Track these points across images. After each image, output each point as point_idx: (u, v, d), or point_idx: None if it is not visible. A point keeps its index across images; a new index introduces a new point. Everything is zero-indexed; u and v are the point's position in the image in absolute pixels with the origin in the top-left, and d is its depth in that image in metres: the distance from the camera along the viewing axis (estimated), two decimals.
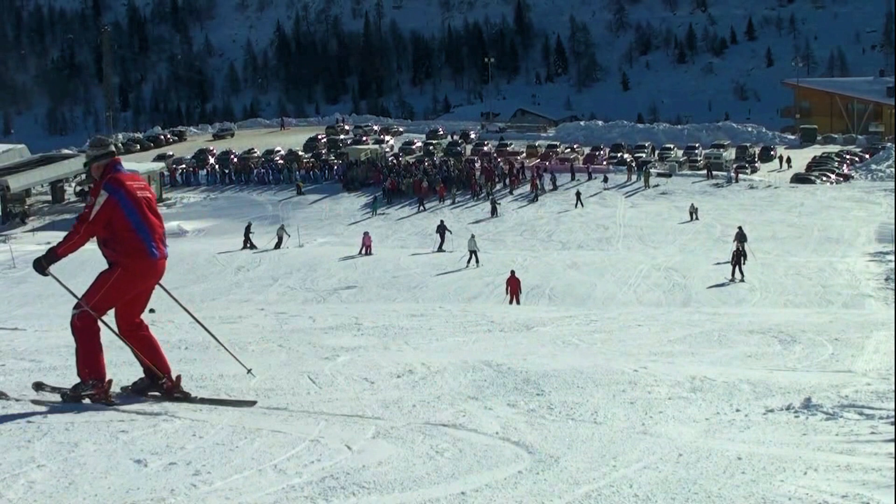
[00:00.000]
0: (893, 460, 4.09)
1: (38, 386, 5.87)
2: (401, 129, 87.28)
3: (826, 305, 25.34)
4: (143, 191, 5.79)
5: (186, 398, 5.75)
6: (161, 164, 69.19)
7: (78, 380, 5.66)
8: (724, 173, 60.44)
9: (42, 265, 5.71)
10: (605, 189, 57.94)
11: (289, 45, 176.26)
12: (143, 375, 5.92)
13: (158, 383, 5.83)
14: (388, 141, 77.14)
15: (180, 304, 6.49)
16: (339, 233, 51.07)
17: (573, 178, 60.24)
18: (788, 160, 65.32)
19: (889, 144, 70.34)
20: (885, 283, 29.45)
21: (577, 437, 4.71)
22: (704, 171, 61.40)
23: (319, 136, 79.73)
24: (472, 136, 79.75)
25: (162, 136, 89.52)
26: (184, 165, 71.17)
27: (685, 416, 5.24)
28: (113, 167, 5.75)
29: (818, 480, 3.93)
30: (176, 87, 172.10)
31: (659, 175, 61.06)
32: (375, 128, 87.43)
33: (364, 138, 78.50)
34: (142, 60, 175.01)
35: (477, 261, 34.56)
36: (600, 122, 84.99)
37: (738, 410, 5.35)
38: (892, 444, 4.37)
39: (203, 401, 5.73)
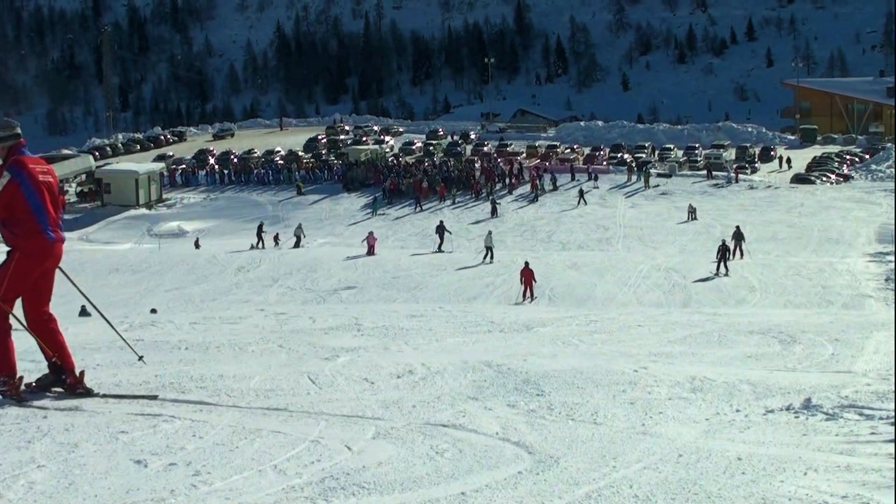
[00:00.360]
0: (893, 461, 4.09)
1: None
2: (401, 130, 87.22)
3: (826, 306, 25.34)
4: (45, 175, 5.86)
5: (89, 394, 5.78)
6: (161, 165, 69.19)
7: None
8: (724, 173, 60.44)
9: None
10: (595, 188, 57.98)
11: (289, 46, 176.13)
12: (47, 371, 5.97)
13: (62, 378, 5.87)
14: (388, 141, 77.10)
15: (79, 289, 6.61)
16: (339, 233, 51.11)
17: (573, 179, 60.27)
18: (788, 160, 65.28)
19: (889, 145, 70.32)
20: (885, 284, 29.44)
21: (577, 437, 4.71)
22: (704, 172, 61.40)
23: (320, 137, 79.73)
24: (472, 136, 79.72)
25: (162, 137, 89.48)
26: (184, 166, 71.14)
27: (685, 416, 5.23)
28: (17, 150, 5.82)
29: (818, 481, 3.93)
30: (176, 88, 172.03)
31: (659, 175, 61.06)
32: (375, 128, 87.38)
33: (364, 139, 78.46)
34: (142, 61, 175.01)
35: (492, 257, 34.98)
36: (600, 123, 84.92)
37: (738, 411, 5.35)
38: (893, 444, 4.36)
39: (106, 396, 5.77)
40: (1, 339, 5.71)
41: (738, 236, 36.67)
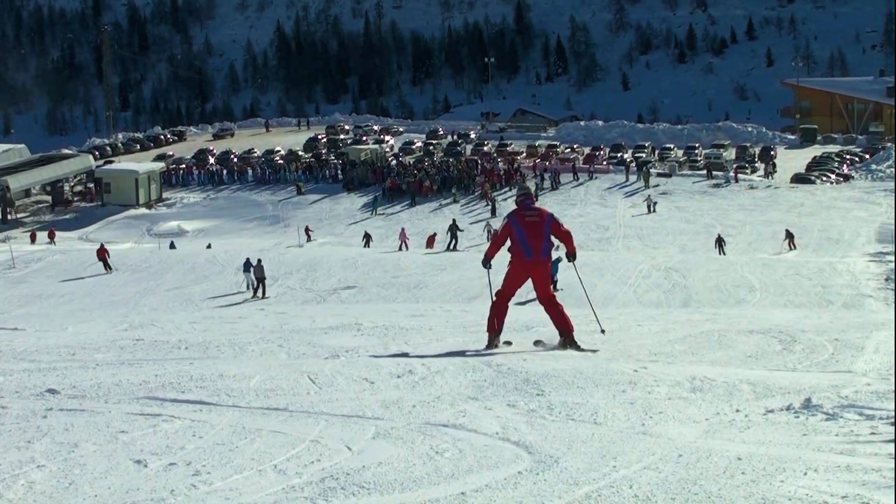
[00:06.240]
0: (893, 460, 4.09)
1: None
2: (401, 129, 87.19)
3: (826, 306, 25.34)
4: (531, 217, 8.59)
5: (579, 349, 8.09)
6: (161, 164, 69.17)
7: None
8: (724, 173, 60.41)
9: None
10: (560, 185, 58.57)
11: (289, 45, 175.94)
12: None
13: (564, 339, 8.30)
14: (388, 141, 77.08)
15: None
16: (339, 233, 51.16)
17: (575, 178, 60.32)
18: (774, 165, 63.44)
19: (889, 144, 70.25)
20: (885, 284, 29.44)
21: (577, 437, 4.70)
22: (704, 172, 61.33)
23: (319, 136, 79.77)
24: (472, 136, 79.62)
25: (162, 136, 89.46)
26: (184, 166, 71.13)
27: (685, 416, 5.23)
28: (523, 204, 8.72)
29: (818, 481, 3.93)
30: (176, 87, 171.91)
31: (659, 175, 61.06)
32: (375, 128, 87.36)
33: (364, 138, 78.44)
34: (142, 60, 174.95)
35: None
36: (600, 122, 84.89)
37: (738, 411, 5.34)
38: (893, 444, 4.36)
39: (585, 350, 8.03)
40: (491, 310, 8.51)
41: (790, 235, 41.03)
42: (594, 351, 8.01)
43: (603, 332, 9.10)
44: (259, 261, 30.53)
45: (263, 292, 29.56)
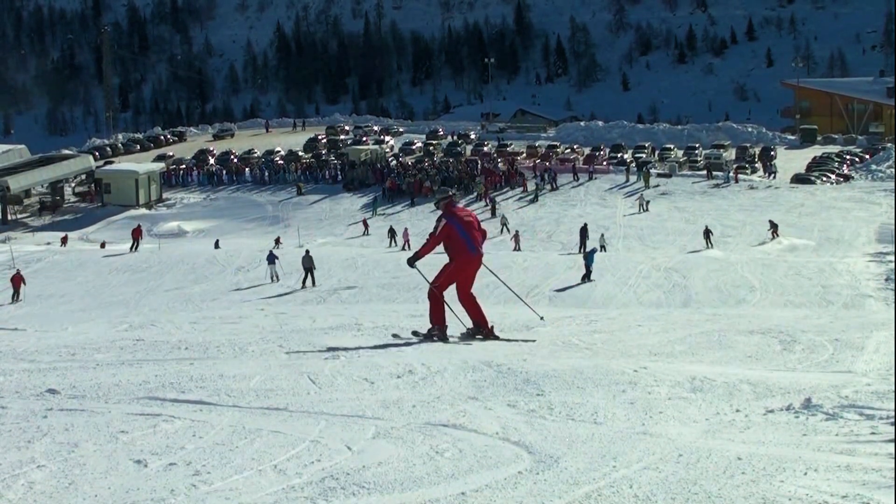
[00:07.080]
0: (893, 460, 4.08)
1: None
2: (401, 130, 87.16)
3: (826, 306, 25.34)
4: (467, 217, 8.96)
5: (497, 338, 8.65)
6: (161, 165, 69.16)
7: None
8: (724, 173, 60.36)
9: None
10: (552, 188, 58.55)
11: (289, 46, 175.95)
12: (468, 328, 8.87)
13: (480, 330, 8.76)
14: (388, 141, 77.05)
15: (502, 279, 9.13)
16: (339, 233, 51.13)
17: (575, 178, 60.29)
18: (774, 165, 63.05)
19: (889, 145, 70.23)
20: (885, 284, 29.43)
21: (577, 437, 4.70)
22: (704, 172, 61.29)
23: (319, 136, 79.73)
24: (472, 136, 79.55)
25: (162, 137, 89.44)
26: (184, 166, 71.09)
27: (685, 416, 5.23)
28: (451, 204, 9.11)
29: (818, 481, 3.93)
30: (176, 88, 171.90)
31: (659, 175, 61.03)
32: (375, 128, 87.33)
33: (364, 139, 78.41)
34: (142, 61, 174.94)
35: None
36: (600, 123, 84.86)
37: (738, 411, 5.34)
38: (893, 444, 4.36)
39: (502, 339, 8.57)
40: (438, 305, 8.82)
41: (774, 225, 42.94)
42: (531, 341, 8.50)
43: (542, 318, 9.95)
44: (307, 251, 32.47)
45: (313, 281, 31.13)
